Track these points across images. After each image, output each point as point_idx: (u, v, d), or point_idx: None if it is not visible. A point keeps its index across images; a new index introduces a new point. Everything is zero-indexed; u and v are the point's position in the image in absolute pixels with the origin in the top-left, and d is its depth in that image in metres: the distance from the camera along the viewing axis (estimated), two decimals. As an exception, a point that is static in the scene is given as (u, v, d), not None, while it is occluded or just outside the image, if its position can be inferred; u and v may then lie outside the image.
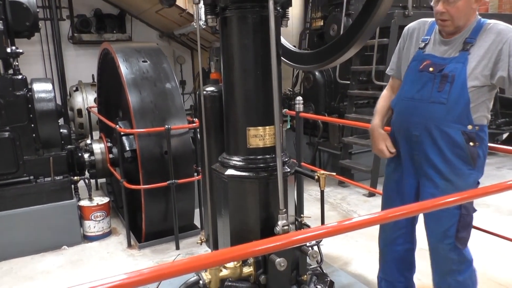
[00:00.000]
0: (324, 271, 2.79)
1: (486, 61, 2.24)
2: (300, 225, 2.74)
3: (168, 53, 10.45)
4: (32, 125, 4.33)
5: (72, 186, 4.64)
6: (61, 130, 4.57)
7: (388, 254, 2.74)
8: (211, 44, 9.75)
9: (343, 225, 1.49)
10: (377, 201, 5.46)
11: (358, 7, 5.58)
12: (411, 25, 2.60)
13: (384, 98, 2.70)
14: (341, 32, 5.78)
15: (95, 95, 7.05)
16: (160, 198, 4.22)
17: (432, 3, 2.36)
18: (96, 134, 6.65)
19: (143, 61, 4.45)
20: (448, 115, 2.29)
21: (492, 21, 2.30)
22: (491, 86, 2.28)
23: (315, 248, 2.39)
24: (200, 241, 2.90)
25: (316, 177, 2.59)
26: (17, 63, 4.40)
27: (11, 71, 4.37)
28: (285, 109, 5.15)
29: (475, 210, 2.44)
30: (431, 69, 2.35)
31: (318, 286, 2.53)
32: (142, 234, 4.32)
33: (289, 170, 2.38)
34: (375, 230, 4.43)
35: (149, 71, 4.39)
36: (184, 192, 4.28)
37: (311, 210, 4.96)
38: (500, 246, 3.69)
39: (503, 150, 3.02)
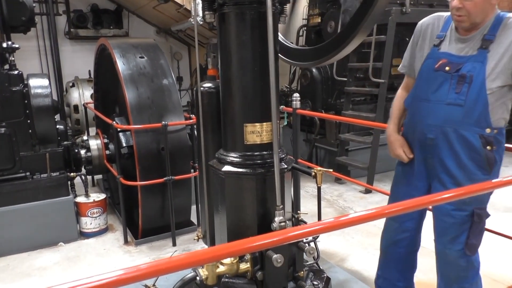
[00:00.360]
0: (321, 267, 2.81)
1: (507, 59, 2.10)
2: (297, 222, 2.75)
3: (165, 49, 10.42)
4: (29, 121, 4.31)
5: (69, 182, 4.62)
6: (57, 126, 4.55)
7: (390, 255, 2.68)
8: (208, 40, 9.74)
9: (340, 221, 1.49)
10: (374, 197, 5.49)
11: (356, 4, 5.57)
12: (424, 20, 2.45)
13: (399, 99, 2.58)
14: (339, 29, 5.79)
15: (91, 91, 7.04)
16: (157, 194, 4.21)
17: None
18: (92, 130, 6.63)
19: (140, 57, 4.43)
20: (465, 117, 2.17)
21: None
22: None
23: (312, 244, 2.40)
24: (197, 238, 2.92)
25: (313, 173, 2.60)
26: (13, 58, 4.37)
27: (7, 67, 4.34)
28: (282, 106, 5.15)
29: (488, 216, 2.34)
30: (447, 68, 2.23)
31: (315, 282, 2.55)
32: (139, 231, 4.32)
33: (286, 166, 2.39)
34: (371, 227, 4.47)
35: (146, 67, 4.37)
36: (181, 188, 4.27)
37: (307, 207, 4.97)
38: (496, 243, 3.71)
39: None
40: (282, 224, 2.16)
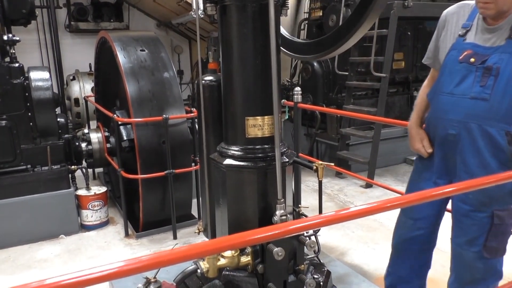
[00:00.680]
0: (321, 261, 2.81)
1: None
2: (298, 215, 2.75)
3: (166, 42, 10.39)
4: (29, 114, 4.31)
5: (70, 175, 4.63)
6: (58, 119, 4.55)
7: (403, 252, 2.56)
8: (209, 33, 9.70)
9: (340, 215, 1.49)
10: (374, 192, 5.49)
11: (358, -3, 5.54)
12: (449, 9, 2.31)
13: (423, 91, 2.45)
14: (340, 23, 5.76)
15: (92, 84, 7.04)
16: (157, 187, 4.22)
17: None
18: (93, 124, 6.62)
19: (141, 50, 4.42)
20: (491, 113, 2.03)
21: None
22: None
23: (313, 238, 2.41)
24: (197, 231, 2.92)
25: (314, 167, 2.60)
26: (13, 51, 4.36)
27: (7, 59, 4.34)
28: (283, 100, 5.14)
29: None
30: (472, 60, 2.09)
31: (315, 276, 2.56)
32: (140, 224, 4.33)
33: (287, 160, 2.38)
34: (371, 221, 4.48)
35: (147, 60, 4.36)
36: (182, 182, 4.28)
37: (308, 201, 4.98)
38: None
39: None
40: (283, 217, 2.16)
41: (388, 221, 4.54)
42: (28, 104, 4.31)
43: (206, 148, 2.63)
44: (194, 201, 4.56)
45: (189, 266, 2.33)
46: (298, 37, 7.47)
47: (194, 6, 2.40)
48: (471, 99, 2.08)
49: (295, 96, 4.27)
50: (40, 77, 4.39)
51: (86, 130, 5.06)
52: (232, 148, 2.34)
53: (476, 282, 2.23)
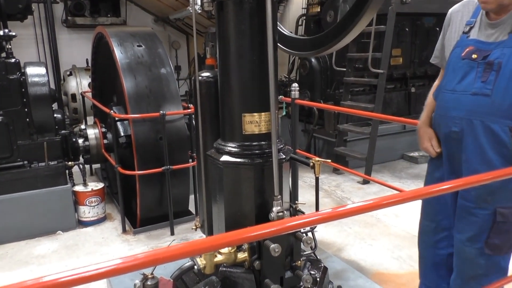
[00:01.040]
0: (318, 257, 2.82)
1: None
2: (295, 212, 2.75)
3: (163, 38, 10.36)
4: (26, 110, 4.30)
5: (67, 171, 4.62)
6: (55, 115, 4.54)
7: (429, 259, 2.48)
8: (207, 29, 9.68)
9: (337, 212, 1.49)
10: (372, 188, 5.50)
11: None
12: (454, 7, 2.30)
13: (432, 91, 2.42)
14: (338, 19, 5.75)
15: (89, 80, 6.99)
16: (155, 184, 4.21)
17: None
18: (90, 119, 6.60)
19: (138, 46, 4.40)
20: (493, 108, 2.00)
21: None
22: None
23: (309, 234, 2.41)
24: (195, 227, 2.91)
25: (311, 164, 2.59)
26: (10, 46, 4.34)
27: (4, 55, 4.31)
28: (280, 96, 5.14)
29: None
30: (474, 56, 2.07)
31: (312, 272, 2.56)
32: (137, 220, 4.33)
33: (284, 156, 2.38)
34: (368, 217, 4.50)
35: (144, 56, 4.35)
36: (179, 178, 4.28)
37: (305, 197, 4.98)
38: None
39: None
40: (280, 214, 2.16)
41: (385, 217, 4.56)
42: (25, 100, 4.29)
43: (203, 144, 2.62)
44: (192, 197, 4.56)
45: (186, 262, 2.33)
46: (296, 33, 7.46)
47: (191, 2, 2.39)
48: (472, 95, 2.06)
49: (293, 92, 4.27)
50: (36, 73, 4.37)
51: (83, 126, 5.05)
52: (229, 145, 2.34)
53: (478, 278, 2.20)
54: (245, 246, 2.29)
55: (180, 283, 2.59)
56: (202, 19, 9.32)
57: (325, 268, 2.68)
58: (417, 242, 2.57)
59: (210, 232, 2.68)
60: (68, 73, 8.50)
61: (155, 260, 1.19)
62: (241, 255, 2.28)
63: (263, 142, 2.30)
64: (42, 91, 4.34)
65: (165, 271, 2.61)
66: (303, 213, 2.68)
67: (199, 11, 2.43)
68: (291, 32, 3.13)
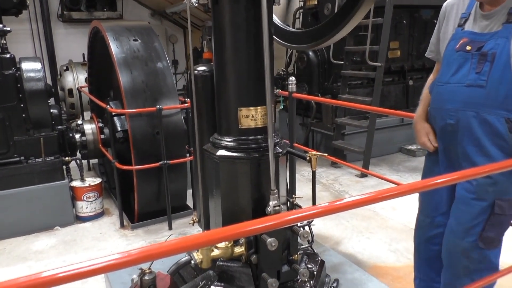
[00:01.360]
0: (315, 251, 2.82)
1: None
2: (292, 206, 2.75)
3: (160, 32, 10.30)
4: (22, 105, 4.28)
5: (64, 166, 4.61)
6: (51, 110, 4.52)
7: (423, 253, 2.48)
8: (204, 22, 9.63)
9: (334, 206, 1.48)
10: (369, 181, 5.51)
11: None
12: (449, 1, 2.29)
13: (428, 85, 2.42)
14: (335, 11, 5.73)
15: (86, 75, 6.97)
16: (152, 178, 4.21)
17: None
18: (87, 114, 6.58)
19: (134, 40, 4.38)
20: (488, 100, 1.97)
21: None
22: None
23: (306, 228, 2.41)
24: (192, 222, 2.92)
25: (308, 157, 2.59)
26: (5, 42, 4.32)
27: (-1, 50, 4.29)
28: (278, 90, 5.12)
29: None
30: (468, 47, 2.05)
31: (309, 266, 2.57)
32: (135, 215, 4.33)
33: (280, 150, 2.37)
34: (366, 211, 4.50)
35: (140, 50, 4.33)
36: (177, 172, 4.27)
37: (303, 190, 4.99)
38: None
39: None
40: (277, 208, 2.16)
41: (383, 210, 4.57)
42: (21, 95, 4.27)
43: (199, 139, 2.62)
44: (190, 191, 4.56)
45: (183, 257, 2.33)
46: (293, 26, 7.44)
47: (186, -5, 2.38)
48: (467, 86, 2.04)
49: (290, 86, 4.25)
50: (32, 68, 4.35)
51: (80, 121, 5.03)
52: (225, 139, 2.33)
53: (470, 272, 2.17)
54: (242, 240, 2.29)
55: (178, 277, 2.59)
56: (198, 13, 9.27)
57: (322, 262, 2.69)
58: (413, 235, 2.57)
59: (207, 227, 2.68)
60: (64, 68, 8.45)
61: (149, 256, 1.19)
62: (238, 250, 2.28)
63: (259, 136, 2.30)
64: (38, 86, 4.32)
65: (163, 266, 2.62)
66: (300, 207, 2.68)
67: (196, 5, 2.41)
68: (288, 25, 3.11)
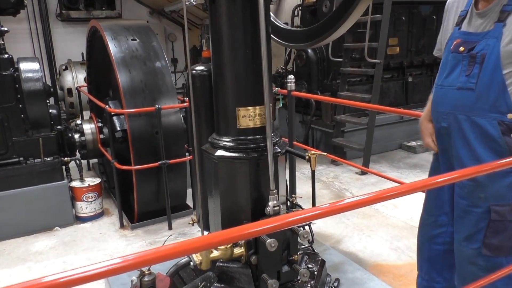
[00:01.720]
0: (316, 250, 2.80)
1: None
2: (292, 205, 2.73)
3: (159, 30, 10.28)
4: (20, 106, 4.25)
5: (63, 167, 4.59)
6: (50, 110, 4.50)
7: (425, 252, 2.44)
8: (202, 21, 9.60)
9: (336, 207, 1.46)
10: (370, 179, 5.49)
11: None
12: None
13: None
14: (334, 9, 5.69)
15: (85, 74, 6.95)
16: (151, 178, 4.19)
17: None
18: (87, 114, 6.56)
19: (132, 39, 4.36)
20: (478, 102, 1.93)
21: None
22: None
23: (306, 228, 2.39)
24: (192, 222, 2.90)
25: (307, 157, 2.57)
26: (2, 42, 4.29)
27: (-4, 51, 4.26)
28: (277, 88, 5.10)
29: None
30: (461, 48, 2.00)
31: (310, 265, 2.55)
32: (135, 215, 4.31)
33: (279, 150, 2.37)
34: (367, 209, 4.48)
35: (139, 49, 4.31)
36: (176, 172, 4.25)
37: (303, 189, 4.96)
38: None
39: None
40: (276, 208, 2.15)
41: (384, 207, 4.55)
42: (19, 95, 4.24)
43: (198, 139, 2.60)
44: (189, 191, 4.54)
45: (182, 258, 2.32)
46: (292, 23, 7.40)
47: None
48: (457, 89, 2.01)
49: (289, 84, 4.23)
50: (30, 68, 4.32)
51: (79, 121, 5.01)
52: (224, 139, 2.32)
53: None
54: (242, 241, 2.28)
55: (177, 278, 2.57)
56: (197, 11, 9.24)
57: (323, 261, 2.67)
58: (417, 233, 2.53)
59: (206, 227, 2.67)
60: (63, 67, 8.43)
61: (146, 261, 1.17)
62: (238, 251, 2.27)
63: (258, 136, 2.29)
64: (36, 87, 4.29)
65: (163, 266, 2.60)
66: (300, 206, 2.67)
67: (194, 3, 2.39)
68: (286, 24, 3.08)
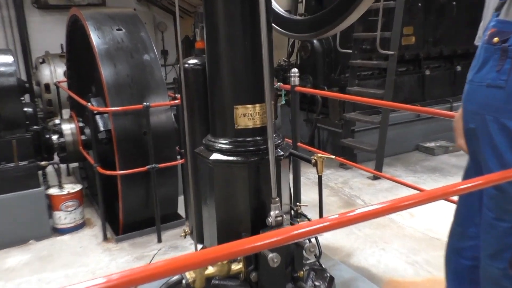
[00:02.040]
0: (323, 266, 2.79)
1: None
2: (296, 215, 2.72)
3: (148, 19, 10.26)
4: (-9, 104, 4.25)
5: (40, 172, 4.57)
6: (25, 109, 4.49)
7: (451, 265, 2.41)
8: (196, 8, 9.58)
9: (346, 217, 1.44)
10: (383, 184, 5.47)
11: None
12: None
13: None
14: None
15: (64, 68, 6.94)
16: (139, 184, 4.18)
17: None
18: (66, 112, 6.54)
19: (118, 29, 4.36)
20: (509, 103, 1.86)
21: None
22: None
23: (313, 240, 2.37)
24: (184, 234, 2.89)
25: (313, 160, 2.55)
26: (-29, 33, 4.28)
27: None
28: (279, 83, 5.08)
29: None
30: (495, 40, 1.91)
31: (317, 283, 2.53)
32: (120, 226, 4.29)
33: (282, 153, 2.35)
34: (380, 218, 4.45)
35: (125, 40, 4.31)
36: (167, 177, 4.25)
37: (309, 195, 4.95)
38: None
39: None
40: (279, 218, 2.13)
41: (399, 216, 4.53)
42: (-10, 92, 4.24)
43: (191, 140, 2.59)
44: (181, 198, 4.53)
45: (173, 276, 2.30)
46: (296, 11, 7.40)
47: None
48: (487, 87, 1.94)
49: (292, 79, 4.22)
50: (2, 61, 4.33)
51: (57, 121, 4.99)
52: (220, 141, 2.31)
53: None
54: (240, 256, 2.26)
55: (168, 298, 2.55)
56: (190, -3, 9.23)
57: (332, 278, 2.65)
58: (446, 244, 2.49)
59: (200, 240, 2.66)
60: (40, 60, 8.40)
61: (133, 280, 1.15)
62: (236, 267, 2.25)
63: (258, 138, 2.28)
64: (9, 82, 4.29)
65: (151, 285, 2.58)
66: (305, 216, 2.65)
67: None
68: (288, 12, 3.07)
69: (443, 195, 1.65)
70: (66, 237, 4.44)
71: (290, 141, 4.08)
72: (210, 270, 2.22)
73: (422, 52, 6.91)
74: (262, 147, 2.26)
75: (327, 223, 1.44)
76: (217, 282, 2.32)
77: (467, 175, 2.27)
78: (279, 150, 2.34)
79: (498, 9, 1.99)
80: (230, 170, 2.29)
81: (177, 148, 4.37)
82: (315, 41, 6.60)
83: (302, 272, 2.37)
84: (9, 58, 4.38)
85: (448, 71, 7.29)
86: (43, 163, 4.55)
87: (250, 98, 2.23)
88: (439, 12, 6.90)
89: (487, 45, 1.97)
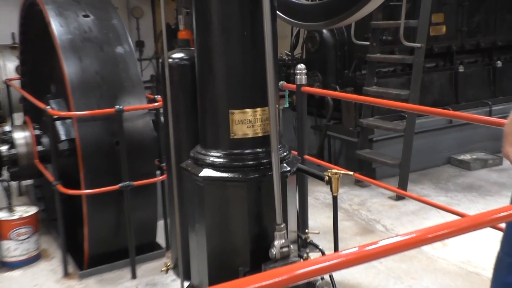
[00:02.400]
0: (338, 307, 2.78)
1: None
2: (305, 244, 2.72)
3: (120, 3, 10.32)
4: None
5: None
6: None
7: None
8: (179, -10, 9.65)
9: (367, 251, 1.43)
10: (408, 206, 5.49)
11: None
12: None
13: None
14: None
15: (17, 63, 6.95)
16: (109, 206, 4.19)
17: None
18: (19, 117, 6.54)
19: (84, 16, 4.41)
20: None
21: None
22: None
23: (326, 277, 2.37)
24: (165, 268, 2.89)
25: (327, 178, 2.56)
26: None
27: None
28: (282, 82, 5.10)
29: None
30: None
31: (331, 329, 2.52)
32: (85, 258, 4.28)
33: (289, 168, 2.37)
34: (406, 247, 4.46)
35: (93, 30, 4.35)
36: (143, 198, 4.26)
37: (318, 220, 4.97)
38: None
39: None
40: (285, 250, 2.14)
41: (429, 246, 4.53)
42: None
43: (176, 152, 2.59)
44: (161, 223, 4.52)
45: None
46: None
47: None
48: None
49: (298, 77, 4.25)
50: None
51: (7, 127, 4.99)
52: (212, 154, 2.32)
53: None
54: (237, 295, 2.25)
55: None
56: (171, -23, 9.29)
57: (349, 323, 2.65)
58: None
59: (186, 276, 2.65)
60: (-14, 53, 8.44)
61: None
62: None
63: (259, 149, 2.30)
64: (-50, 81, 4.28)
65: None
66: (316, 246, 2.65)
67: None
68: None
69: (491, 221, 1.65)
70: (16, 273, 4.42)
71: (295, 153, 4.09)
72: (200, 313, 2.21)
73: (454, 44, 6.97)
74: (264, 161, 2.27)
75: (343, 259, 1.44)
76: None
77: None
78: (284, 164, 2.36)
79: None
80: (225, 189, 2.30)
81: (156, 161, 4.37)
82: (325, 31, 6.64)
83: (312, 316, 2.37)
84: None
85: (486, 67, 7.35)
86: (-12, 180, 4.56)
87: (250, 101, 2.25)
88: (475, -4, 6.99)
89: None
